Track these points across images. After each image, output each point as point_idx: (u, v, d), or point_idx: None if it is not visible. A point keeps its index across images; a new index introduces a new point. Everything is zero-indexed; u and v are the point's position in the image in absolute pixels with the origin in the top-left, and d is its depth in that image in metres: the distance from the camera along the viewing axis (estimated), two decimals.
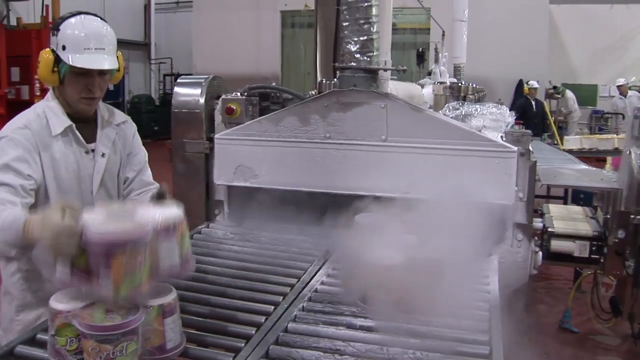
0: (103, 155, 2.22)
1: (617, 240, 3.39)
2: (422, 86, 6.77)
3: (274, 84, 3.27)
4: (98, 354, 1.42)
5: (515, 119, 3.30)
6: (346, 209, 2.58)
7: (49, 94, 2.20)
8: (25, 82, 13.64)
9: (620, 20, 15.93)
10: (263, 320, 1.89)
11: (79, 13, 2.09)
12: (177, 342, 1.62)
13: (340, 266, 2.27)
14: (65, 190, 2.13)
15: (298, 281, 2.22)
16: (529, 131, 2.64)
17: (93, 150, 2.22)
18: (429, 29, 13.96)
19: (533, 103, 11.85)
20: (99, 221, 1.51)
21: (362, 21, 2.66)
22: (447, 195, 2.27)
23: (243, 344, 1.72)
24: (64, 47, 2.02)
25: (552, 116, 12.36)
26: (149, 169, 2.43)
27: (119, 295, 1.45)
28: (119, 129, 2.33)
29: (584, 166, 4.80)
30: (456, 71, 9.26)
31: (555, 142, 9.88)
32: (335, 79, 2.90)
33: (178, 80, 3.19)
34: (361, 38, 2.66)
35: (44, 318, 1.79)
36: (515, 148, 2.49)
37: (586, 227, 3.58)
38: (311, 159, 2.71)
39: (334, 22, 3.38)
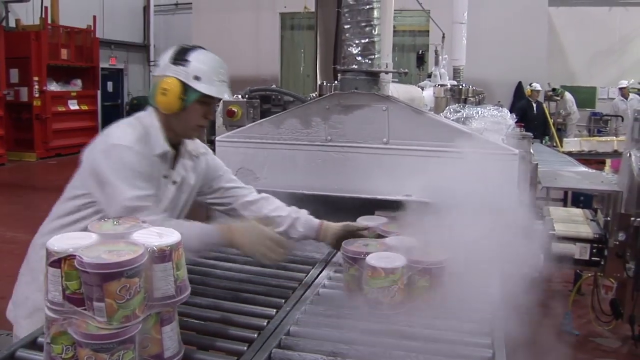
0: (174, 182, 2.24)
1: (617, 243, 3.39)
2: (423, 88, 6.78)
3: (274, 86, 3.28)
4: None
5: (516, 122, 3.31)
6: (348, 211, 2.58)
7: (152, 114, 2.23)
8: (24, 84, 13.66)
9: (619, 22, 15.96)
10: (265, 324, 1.88)
11: (196, 47, 2.22)
12: (175, 350, 1.60)
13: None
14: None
15: (300, 284, 2.21)
16: (530, 134, 2.65)
17: (165, 177, 2.24)
18: (429, 31, 13.98)
19: (534, 105, 11.86)
20: (91, 247, 1.49)
21: (363, 24, 2.66)
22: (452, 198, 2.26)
23: (245, 348, 1.72)
24: (197, 78, 2.12)
25: (551, 118, 12.37)
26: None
27: (112, 322, 1.42)
28: (198, 160, 2.36)
29: (583, 168, 4.80)
30: (456, 73, 9.28)
31: (555, 145, 9.90)
32: (336, 82, 2.91)
33: None
34: (362, 41, 2.67)
35: None
36: (517, 151, 2.49)
37: (587, 230, 3.58)
38: (312, 161, 2.72)
39: (334, 24, 3.38)
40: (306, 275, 2.30)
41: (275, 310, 1.99)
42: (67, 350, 1.48)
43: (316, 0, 4.10)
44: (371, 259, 1.91)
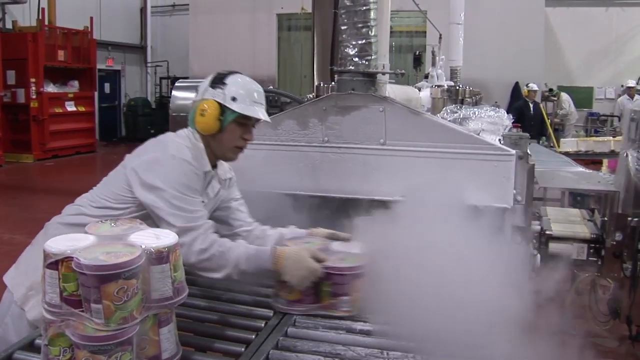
0: (203, 202, 2.23)
1: (614, 243, 3.39)
2: (420, 89, 6.79)
3: (271, 87, 3.28)
4: None
5: (513, 122, 3.32)
6: (345, 212, 2.58)
7: (192, 135, 2.25)
8: (21, 85, 13.64)
9: (615, 22, 15.99)
10: (262, 325, 1.89)
11: (233, 72, 2.29)
12: (172, 352, 1.60)
13: None
14: None
15: None
16: (526, 134, 2.65)
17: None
18: (426, 31, 14.00)
19: (531, 105, 11.88)
20: (89, 248, 1.49)
21: (360, 25, 2.66)
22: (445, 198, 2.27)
23: (243, 349, 1.72)
24: (233, 99, 2.19)
25: (548, 119, 12.39)
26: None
27: (109, 323, 1.42)
28: (224, 183, 2.39)
29: (580, 168, 4.81)
30: (453, 74, 9.29)
31: (552, 145, 9.92)
32: (333, 82, 2.91)
33: (176, 84, 3.20)
34: (359, 42, 2.67)
35: None
36: (514, 151, 2.49)
37: (584, 230, 3.59)
38: (310, 162, 2.72)
39: (331, 25, 3.39)
40: None
41: (272, 312, 1.99)
42: (65, 352, 1.48)
43: (313, 1, 4.11)
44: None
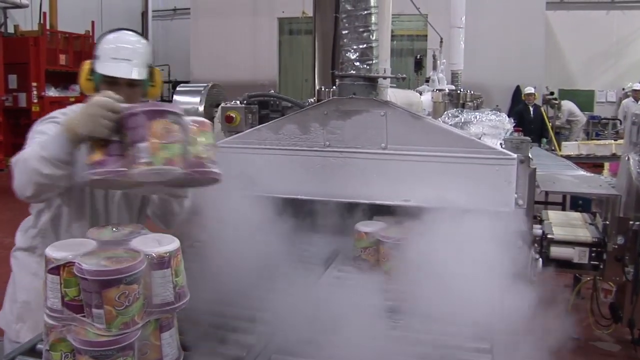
0: None
1: (616, 247, 3.40)
2: (421, 93, 6.79)
3: (272, 91, 3.28)
4: None
5: (514, 126, 3.31)
6: (346, 217, 2.58)
7: None
8: (23, 90, 13.65)
9: (616, 25, 16.01)
10: (262, 330, 1.88)
11: (120, 29, 2.22)
12: (174, 357, 1.60)
13: None
14: (91, 194, 2.24)
15: (298, 289, 2.21)
16: (528, 138, 2.65)
17: None
18: (427, 35, 14.01)
19: (531, 109, 11.89)
20: (90, 254, 1.49)
21: (361, 29, 2.66)
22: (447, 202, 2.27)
23: (245, 353, 1.72)
24: (97, 57, 2.14)
25: (549, 122, 12.39)
26: None
27: (110, 329, 1.42)
28: None
29: (582, 172, 4.81)
30: (454, 78, 9.29)
31: (553, 148, 9.92)
32: (334, 87, 2.91)
33: (177, 88, 3.20)
34: (360, 46, 2.67)
35: None
36: (515, 155, 2.49)
37: (585, 234, 3.59)
38: (311, 167, 2.71)
39: (332, 29, 3.39)
40: (304, 280, 2.30)
41: (272, 316, 1.98)
42: (66, 357, 1.48)
43: (314, 5, 4.11)
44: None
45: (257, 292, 2.17)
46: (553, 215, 4.12)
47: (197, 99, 3.06)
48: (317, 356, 1.71)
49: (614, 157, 7.48)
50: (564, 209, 6.18)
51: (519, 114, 11.22)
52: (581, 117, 13.99)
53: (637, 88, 13.37)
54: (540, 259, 2.75)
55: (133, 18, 19.88)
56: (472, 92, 6.73)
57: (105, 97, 1.70)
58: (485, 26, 13.41)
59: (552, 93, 14.13)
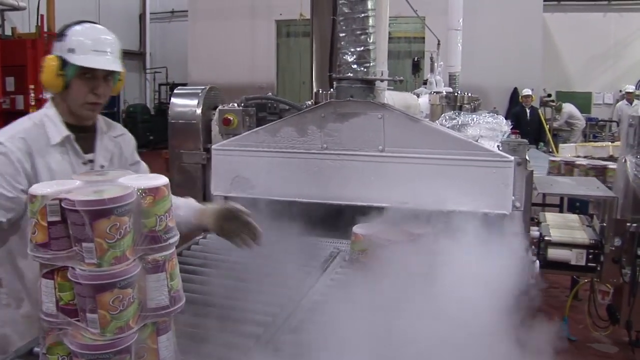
0: (102, 167, 2.20)
1: (613, 248, 3.41)
2: (418, 95, 6.80)
3: (270, 94, 3.28)
4: None
5: (512, 128, 3.32)
6: (344, 219, 2.58)
7: (48, 103, 2.18)
8: (20, 92, 13.60)
9: (613, 28, 16.03)
10: (261, 332, 1.88)
11: (83, 21, 2.15)
12: None
13: None
14: None
15: (296, 292, 2.21)
16: (525, 140, 2.65)
17: (91, 161, 2.21)
18: (424, 37, 14.02)
19: (528, 111, 11.90)
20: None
21: (358, 32, 2.67)
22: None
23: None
24: (71, 50, 2.05)
25: (547, 124, 12.40)
26: None
27: (105, 333, 1.41)
28: (117, 142, 2.32)
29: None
30: (451, 80, 9.30)
31: (551, 150, 9.93)
32: (331, 89, 2.91)
33: (175, 91, 3.21)
34: (358, 49, 2.67)
35: None
36: (512, 157, 2.49)
37: (583, 236, 3.60)
38: (308, 169, 2.71)
39: (330, 32, 3.39)
40: (302, 283, 2.30)
41: (271, 319, 1.98)
42: None
43: (312, 8, 4.12)
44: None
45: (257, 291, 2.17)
46: (550, 217, 4.13)
47: (194, 102, 3.06)
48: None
49: (611, 159, 7.49)
50: (561, 211, 6.19)
51: (517, 116, 11.22)
52: (581, 120, 13.99)
53: (631, 90, 13.41)
54: (538, 261, 2.75)
55: (131, 21, 19.89)
56: (470, 95, 6.75)
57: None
58: (483, 28, 13.42)
59: (549, 95, 14.15)
